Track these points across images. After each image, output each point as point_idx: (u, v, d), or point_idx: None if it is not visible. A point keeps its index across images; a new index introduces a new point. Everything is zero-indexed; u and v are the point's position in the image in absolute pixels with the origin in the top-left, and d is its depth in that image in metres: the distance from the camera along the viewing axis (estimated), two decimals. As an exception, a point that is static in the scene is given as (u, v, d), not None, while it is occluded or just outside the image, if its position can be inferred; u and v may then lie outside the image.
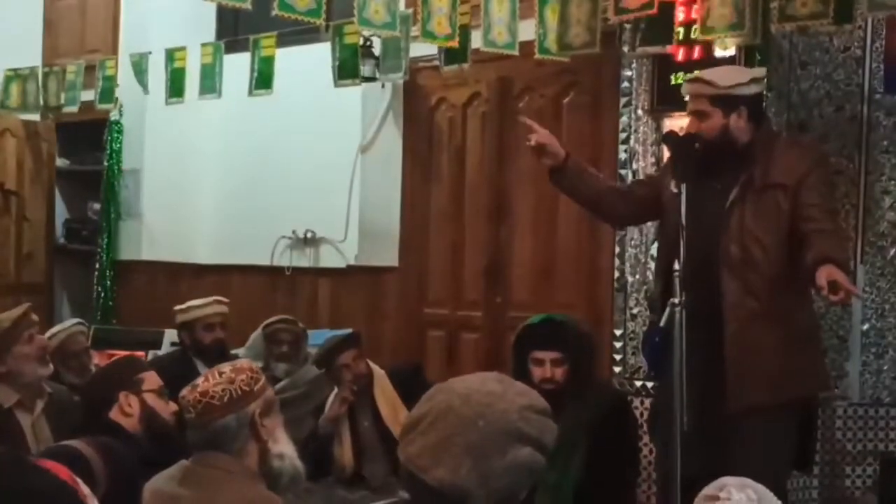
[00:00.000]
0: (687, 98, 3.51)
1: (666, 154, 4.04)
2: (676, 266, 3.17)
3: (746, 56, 4.24)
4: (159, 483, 2.22)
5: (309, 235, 6.27)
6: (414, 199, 5.94)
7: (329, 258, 6.25)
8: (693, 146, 3.37)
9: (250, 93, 5.29)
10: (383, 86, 5.81)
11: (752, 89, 3.45)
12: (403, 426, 1.77)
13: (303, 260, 6.33)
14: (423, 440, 1.69)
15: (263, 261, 6.40)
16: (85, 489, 1.02)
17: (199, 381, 2.39)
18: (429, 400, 1.76)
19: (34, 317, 3.79)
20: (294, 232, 6.31)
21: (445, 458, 1.64)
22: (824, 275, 3.03)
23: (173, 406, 3.12)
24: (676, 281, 3.14)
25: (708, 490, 2.06)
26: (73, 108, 6.27)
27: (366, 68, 5.23)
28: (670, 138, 3.50)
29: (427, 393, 1.80)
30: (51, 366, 3.76)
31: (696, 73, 3.63)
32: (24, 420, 3.61)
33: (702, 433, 3.19)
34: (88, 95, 6.20)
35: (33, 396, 3.65)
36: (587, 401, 3.61)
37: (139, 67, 5.82)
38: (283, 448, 2.42)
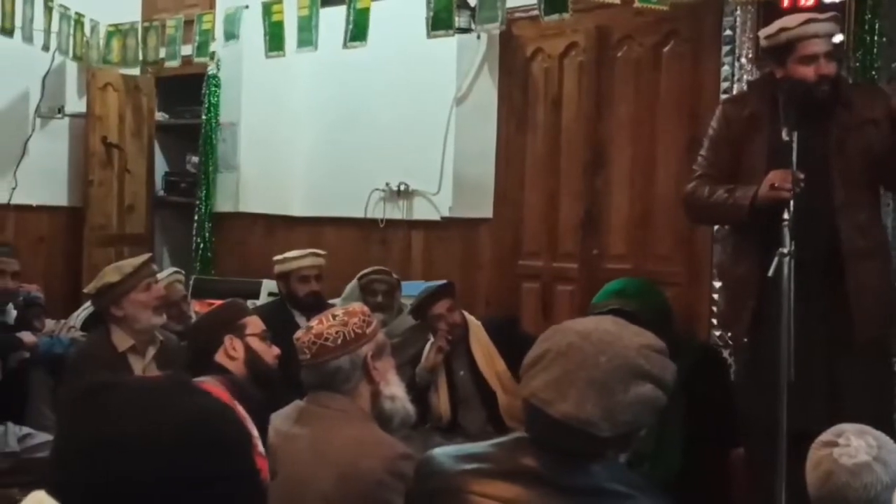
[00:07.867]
0: (815, 37, 3.34)
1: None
2: (785, 216, 3.11)
3: (857, 2, 4.11)
4: (277, 422, 2.28)
5: (402, 188, 6.27)
6: (509, 150, 5.88)
7: (423, 210, 6.25)
8: (810, 92, 3.30)
9: (345, 45, 5.30)
10: (479, 37, 5.76)
11: None
12: (523, 365, 1.79)
13: (396, 212, 6.35)
14: (545, 375, 1.70)
15: (357, 213, 6.44)
16: (242, 411, 1.05)
17: (314, 323, 2.43)
18: (547, 339, 1.78)
19: (154, 267, 3.91)
20: (388, 184, 6.32)
21: (570, 392, 1.66)
22: None
23: (276, 350, 3.19)
24: (786, 231, 3.08)
25: (825, 436, 2.04)
26: (175, 63, 6.38)
27: (461, 19, 5.19)
28: (800, 85, 3.33)
29: (544, 334, 1.82)
30: (164, 315, 3.88)
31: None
32: (135, 364, 3.73)
33: (803, 386, 3.15)
34: (187, 50, 6.31)
35: (146, 342, 3.77)
36: (676, 361, 3.54)
37: (233, 21, 5.88)
38: (395, 390, 2.46)
